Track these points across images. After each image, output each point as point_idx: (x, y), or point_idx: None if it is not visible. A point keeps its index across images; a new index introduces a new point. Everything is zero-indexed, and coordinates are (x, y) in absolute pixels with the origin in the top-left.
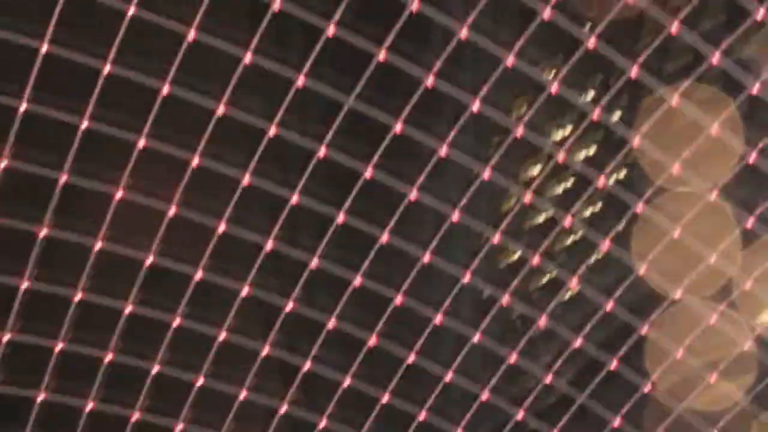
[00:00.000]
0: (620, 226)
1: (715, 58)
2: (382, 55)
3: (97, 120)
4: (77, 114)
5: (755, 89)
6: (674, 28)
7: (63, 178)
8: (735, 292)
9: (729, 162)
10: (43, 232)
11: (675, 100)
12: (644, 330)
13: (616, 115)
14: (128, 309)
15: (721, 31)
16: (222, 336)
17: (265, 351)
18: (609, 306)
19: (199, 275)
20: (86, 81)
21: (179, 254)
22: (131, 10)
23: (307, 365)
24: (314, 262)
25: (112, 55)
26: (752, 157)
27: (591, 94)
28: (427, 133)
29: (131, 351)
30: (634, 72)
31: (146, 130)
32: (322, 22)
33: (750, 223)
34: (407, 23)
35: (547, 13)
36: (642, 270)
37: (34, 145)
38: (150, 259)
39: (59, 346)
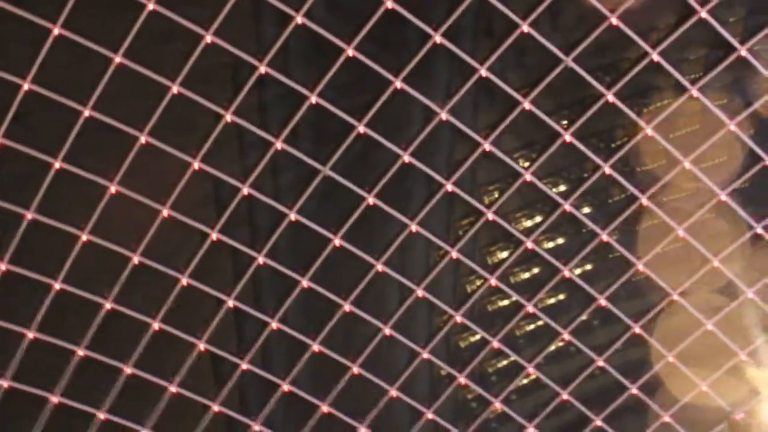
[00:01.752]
0: (583, 317)
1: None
2: (361, 128)
3: (71, 163)
4: (52, 156)
5: None
6: (649, 131)
7: (28, 216)
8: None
9: (695, 265)
10: (1, 269)
11: (645, 199)
12: (598, 423)
13: (587, 209)
14: (81, 352)
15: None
16: (173, 389)
17: (216, 408)
18: (565, 395)
19: (156, 326)
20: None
21: (138, 303)
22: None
23: (257, 427)
24: (274, 324)
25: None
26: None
27: (563, 187)
28: (399, 209)
29: (80, 394)
30: (606, 168)
31: (117, 177)
32: (305, 91)
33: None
34: (389, 99)
35: (527, 105)
36: (600, 361)
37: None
38: (108, 305)
39: (5, 384)
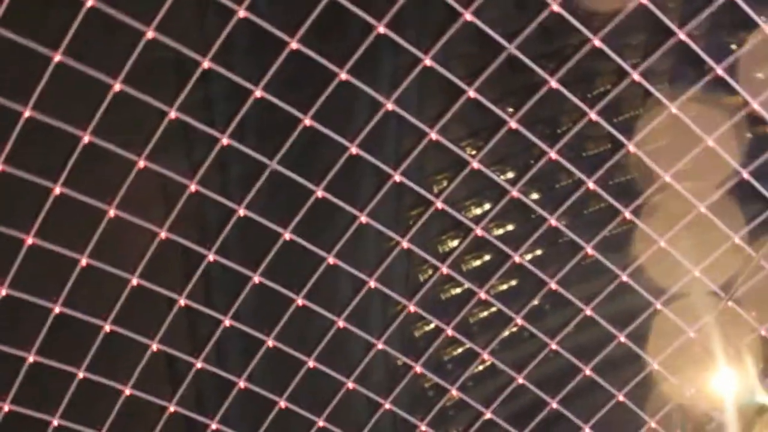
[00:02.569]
0: (535, 301)
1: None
2: (308, 120)
3: (13, 166)
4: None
5: None
6: (593, 115)
7: None
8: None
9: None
10: None
11: (591, 183)
12: (554, 405)
13: (535, 195)
14: (31, 357)
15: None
16: (127, 391)
17: (172, 408)
18: (520, 380)
19: (107, 327)
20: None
21: (89, 305)
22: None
23: (214, 425)
24: (227, 322)
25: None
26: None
27: (511, 173)
28: (348, 201)
29: (31, 401)
30: (553, 154)
31: (63, 178)
32: (250, 84)
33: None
34: (335, 91)
35: (472, 93)
36: (554, 345)
37: None
38: (57, 309)
39: None
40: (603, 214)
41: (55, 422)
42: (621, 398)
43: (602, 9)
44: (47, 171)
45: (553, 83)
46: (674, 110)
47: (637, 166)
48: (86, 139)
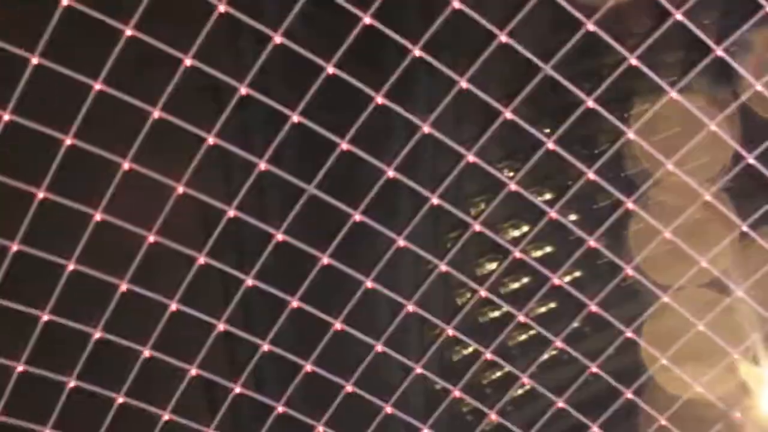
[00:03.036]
0: (575, 324)
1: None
2: (345, 145)
3: (55, 193)
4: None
5: None
6: (630, 135)
7: (13, 247)
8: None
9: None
10: None
11: (631, 203)
12: (595, 429)
13: (573, 216)
14: (72, 382)
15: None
16: (167, 416)
17: None
18: (560, 404)
19: (147, 353)
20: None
21: (129, 330)
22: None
23: None
24: (266, 347)
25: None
26: None
27: (549, 195)
28: (386, 225)
29: (71, 427)
30: (591, 174)
31: (102, 204)
32: (287, 109)
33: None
34: (372, 115)
35: (508, 114)
36: (594, 368)
37: None
38: (98, 334)
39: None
40: (643, 234)
41: None
42: (663, 422)
43: (637, 28)
44: (87, 198)
45: (590, 103)
46: (713, 127)
47: (676, 185)
48: (126, 166)
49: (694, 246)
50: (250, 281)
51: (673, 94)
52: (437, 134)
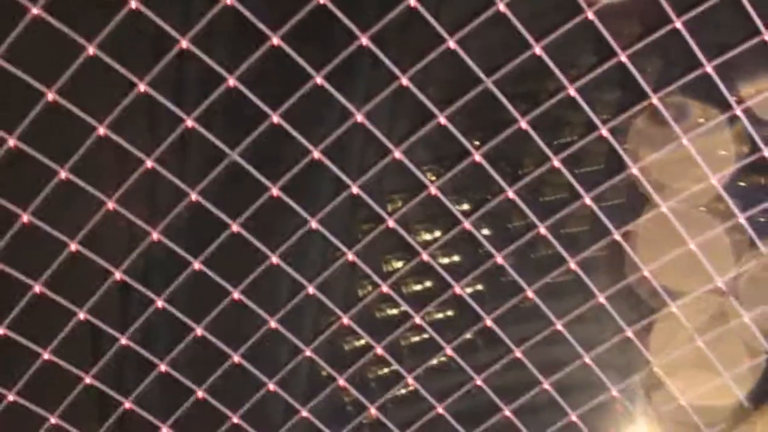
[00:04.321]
0: (468, 335)
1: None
2: (275, 118)
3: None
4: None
5: None
6: (555, 162)
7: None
8: None
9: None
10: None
11: (543, 228)
12: None
13: (486, 230)
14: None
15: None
16: (47, 355)
17: (88, 380)
18: (439, 410)
19: (37, 289)
20: None
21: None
22: None
23: (128, 405)
24: (160, 303)
25: None
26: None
27: (467, 205)
28: (302, 204)
29: None
30: (510, 193)
31: (17, 132)
32: (225, 72)
33: None
34: (308, 94)
35: (442, 119)
36: (479, 380)
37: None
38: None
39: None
40: (550, 261)
41: None
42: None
43: (582, 61)
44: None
45: (523, 124)
46: (635, 171)
47: (589, 219)
48: (50, 97)
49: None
50: (155, 235)
51: (603, 132)
52: (369, 125)
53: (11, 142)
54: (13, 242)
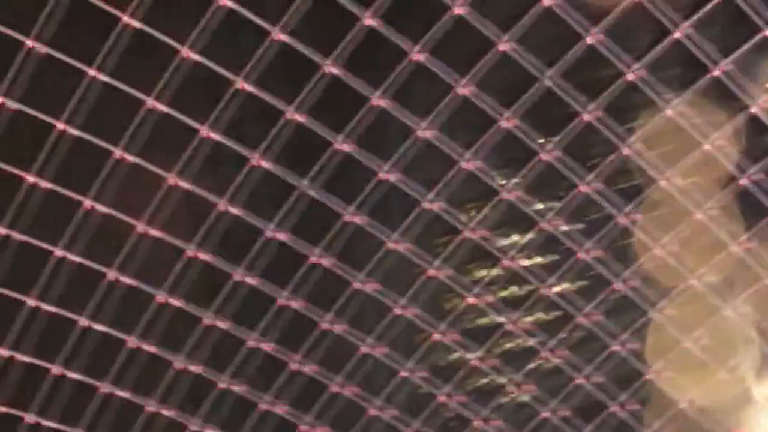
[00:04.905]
0: (563, 335)
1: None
2: (339, 145)
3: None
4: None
5: None
6: (626, 149)
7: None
8: None
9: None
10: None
11: (623, 216)
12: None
13: (566, 227)
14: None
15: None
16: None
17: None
18: (546, 413)
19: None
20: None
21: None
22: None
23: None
24: (251, 342)
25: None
26: None
27: (540, 205)
28: (379, 225)
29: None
30: (584, 186)
31: (92, 194)
32: (284, 106)
33: None
34: (367, 116)
35: (505, 123)
36: (580, 379)
37: None
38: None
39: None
40: (634, 248)
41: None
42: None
43: (638, 43)
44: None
45: (587, 115)
46: (707, 146)
47: (668, 201)
48: (118, 154)
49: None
50: (238, 276)
51: (669, 111)
52: (432, 139)
53: (87, 203)
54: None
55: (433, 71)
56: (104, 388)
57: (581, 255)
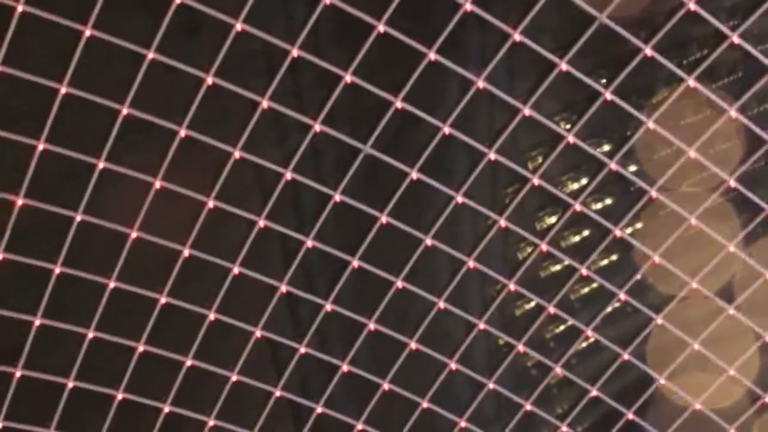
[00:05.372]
0: (638, 276)
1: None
2: (399, 103)
3: (114, 162)
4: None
5: None
6: (690, 82)
7: (77, 218)
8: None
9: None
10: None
11: (693, 152)
12: (662, 381)
13: (633, 167)
14: (141, 347)
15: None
16: (234, 377)
17: (278, 393)
18: (625, 356)
19: (211, 316)
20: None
21: (194, 295)
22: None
23: (320, 409)
24: (328, 306)
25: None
26: None
27: (607, 146)
28: (444, 181)
29: (144, 389)
30: (651, 123)
31: (161, 173)
32: (340, 70)
33: None
34: (424, 72)
35: (564, 65)
36: (659, 319)
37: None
38: (163, 299)
39: (70, 384)
40: (704, 184)
41: (167, 409)
42: (732, 372)
43: None
44: (145, 167)
45: (648, 51)
46: None
47: (738, 133)
48: (182, 133)
49: None
50: (310, 243)
51: (735, 39)
52: (492, 88)
53: (157, 184)
54: (178, 276)
55: (487, 19)
56: None
57: (653, 194)
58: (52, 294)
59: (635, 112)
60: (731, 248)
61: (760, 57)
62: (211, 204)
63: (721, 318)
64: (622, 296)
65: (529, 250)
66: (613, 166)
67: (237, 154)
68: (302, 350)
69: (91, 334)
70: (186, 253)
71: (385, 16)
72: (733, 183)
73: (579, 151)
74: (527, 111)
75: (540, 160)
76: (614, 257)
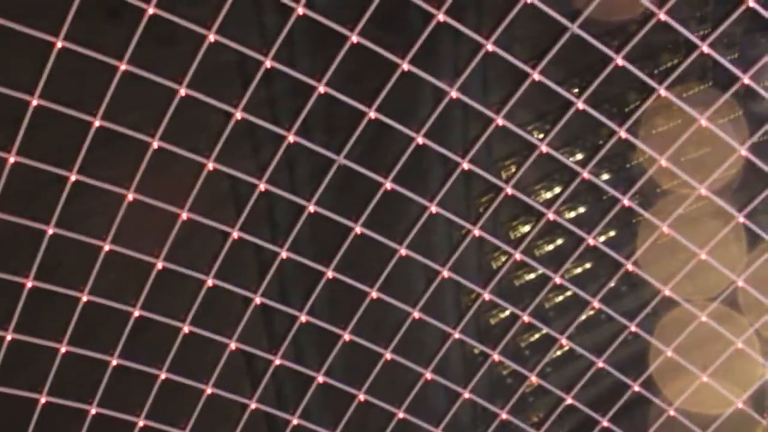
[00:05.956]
0: (611, 284)
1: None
2: (372, 113)
3: (86, 175)
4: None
5: None
6: (662, 91)
7: (49, 231)
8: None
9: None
10: (27, 285)
11: (664, 160)
12: (636, 388)
13: (605, 176)
14: (114, 361)
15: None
16: (209, 390)
17: (253, 405)
18: (600, 363)
19: (185, 329)
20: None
21: (167, 308)
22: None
23: (295, 421)
24: (303, 317)
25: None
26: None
27: (580, 155)
28: (417, 191)
29: (118, 402)
30: (623, 132)
31: (133, 185)
32: (313, 81)
33: None
34: (398, 82)
35: (536, 75)
36: (633, 327)
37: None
38: (137, 312)
39: (43, 400)
40: (676, 193)
41: (141, 423)
42: (705, 378)
43: None
44: (118, 179)
45: (619, 60)
46: (746, 80)
47: (710, 142)
48: (155, 144)
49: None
50: (284, 253)
51: (704, 48)
52: (465, 98)
53: (130, 196)
54: (152, 288)
55: (460, 30)
56: None
57: (626, 202)
58: (23, 308)
59: (607, 121)
60: (703, 256)
61: (729, 66)
62: (184, 216)
63: (694, 324)
64: (596, 304)
65: (503, 259)
66: (585, 174)
67: (210, 166)
68: (277, 362)
69: (63, 349)
70: (159, 265)
71: (359, 27)
72: (703, 191)
73: (552, 160)
74: (500, 120)
75: (513, 169)
76: (588, 265)
